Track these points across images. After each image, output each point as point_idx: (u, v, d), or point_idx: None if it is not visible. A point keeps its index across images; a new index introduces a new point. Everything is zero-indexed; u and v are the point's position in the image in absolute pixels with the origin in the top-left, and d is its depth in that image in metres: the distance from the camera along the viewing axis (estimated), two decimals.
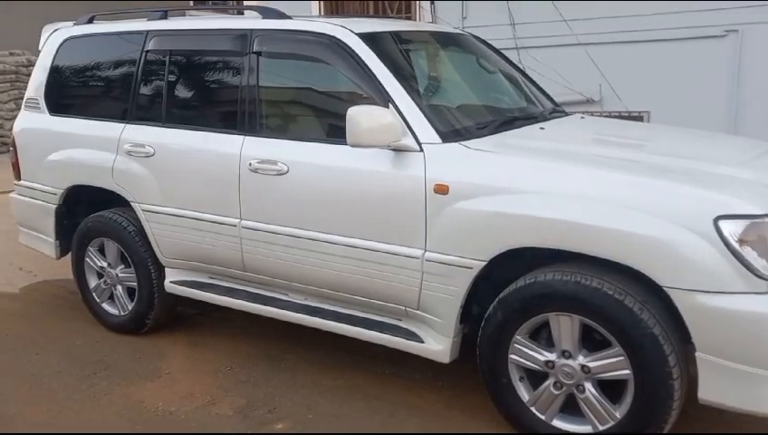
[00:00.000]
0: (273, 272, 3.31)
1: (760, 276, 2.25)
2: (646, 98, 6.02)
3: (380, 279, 2.96)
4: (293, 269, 3.22)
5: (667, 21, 5.97)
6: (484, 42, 3.96)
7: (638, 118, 6.03)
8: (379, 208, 2.91)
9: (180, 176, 3.46)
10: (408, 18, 7.25)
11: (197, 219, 3.43)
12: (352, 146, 2.79)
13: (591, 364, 2.53)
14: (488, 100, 3.64)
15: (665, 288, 2.33)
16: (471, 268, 2.71)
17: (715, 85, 5.95)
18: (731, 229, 2.27)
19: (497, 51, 3.97)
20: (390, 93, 2.91)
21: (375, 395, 3.14)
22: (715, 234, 2.27)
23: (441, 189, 2.75)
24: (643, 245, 2.35)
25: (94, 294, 3.98)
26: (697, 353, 2.33)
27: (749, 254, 2.26)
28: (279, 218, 3.19)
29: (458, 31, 4.14)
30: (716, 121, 5.86)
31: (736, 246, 2.26)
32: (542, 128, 3.16)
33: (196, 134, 3.44)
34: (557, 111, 3.64)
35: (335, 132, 3.05)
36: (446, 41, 3.85)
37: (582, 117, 3.63)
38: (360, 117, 2.72)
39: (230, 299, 3.49)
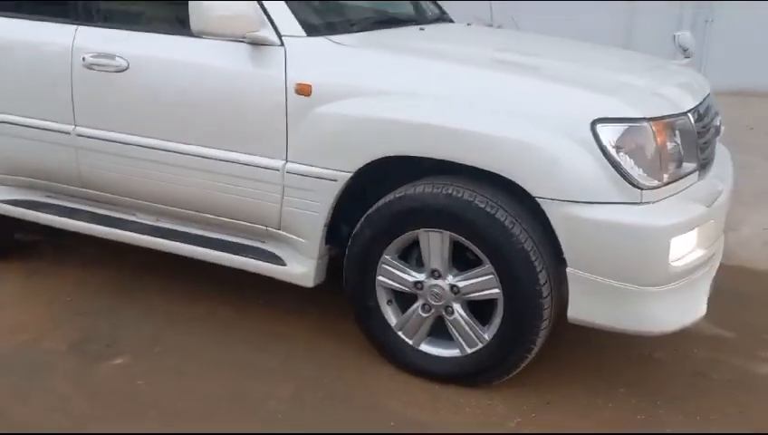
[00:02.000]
0: (116, 188, 2.87)
1: (636, 186, 2.09)
2: (543, 24, 5.86)
3: (237, 195, 2.61)
4: (139, 185, 2.80)
5: None
6: None
7: None
8: (233, 112, 2.53)
9: (1, 73, 2.90)
10: None
11: (24, 126, 2.91)
12: (198, 34, 2.38)
13: (461, 284, 2.33)
14: None
15: (537, 199, 2.14)
16: (335, 181, 2.41)
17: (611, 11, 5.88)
18: (608, 134, 2.09)
19: None
20: None
21: (237, 324, 2.84)
22: (592, 139, 2.08)
23: (303, 90, 2.40)
24: (515, 151, 2.13)
25: None
26: (568, 269, 2.16)
27: (626, 161, 2.09)
28: (119, 124, 2.74)
29: None
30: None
31: (613, 152, 2.08)
32: (421, 29, 2.86)
33: (21, 23, 2.90)
34: (443, 18, 3.35)
35: (184, 23, 2.59)
36: None
37: (469, 24, 3.36)
38: None
39: (69, 221, 3.02)
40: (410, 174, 2.41)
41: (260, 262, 2.66)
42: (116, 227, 2.94)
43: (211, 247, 2.75)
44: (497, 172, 2.17)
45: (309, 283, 2.59)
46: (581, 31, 5.56)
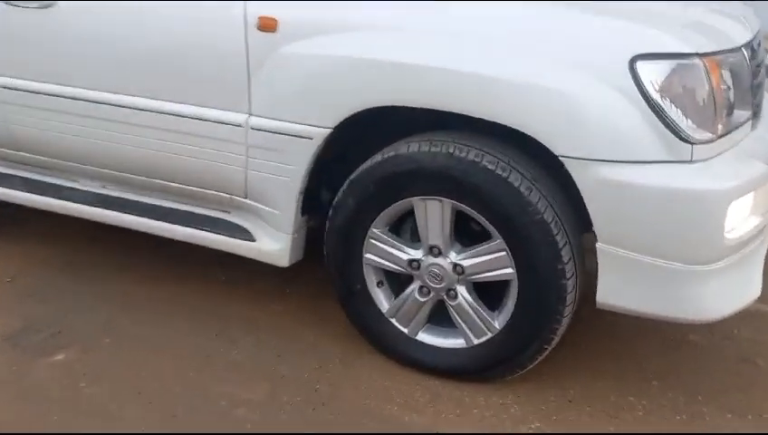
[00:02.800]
0: (52, 150, 2.42)
1: (685, 140, 1.66)
2: None
3: (193, 157, 2.17)
4: (78, 145, 2.35)
5: None
6: None
7: None
8: (183, 56, 2.07)
9: None
10: None
11: None
12: None
13: (465, 262, 1.93)
14: None
15: (561, 158, 1.71)
16: (311, 139, 1.97)
17: None
18: (651, 75, 1.65)
19: None
20: None
21: (203, 308, 2.43)
22: (631, 81, 1.64)
23: (267, 25, 1.94)
24: (533, 98, 1.69)
25: None
26: (599, 245, 1.76)
27: (672, 109, 1.66)
28: (48, 73, 2.27)
29: None
30: None
31: (657, 97, 1.65)
32: None
33: None
34: None
35: None
36: None
37: None
38: None
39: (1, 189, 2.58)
40: (401, 129, 1.98)
41: (224, 237, 2.24)
42: (55, 197, 2.50)
43: (166, 220, 2.32)
44: (511, 126, 1.74)
45: (283, 262, 2.18)
46: None
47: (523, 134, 1.74)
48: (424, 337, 2.07)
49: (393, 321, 2.09)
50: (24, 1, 2.21)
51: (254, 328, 2.33)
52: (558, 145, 1.70)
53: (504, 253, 1.86)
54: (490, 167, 1.79)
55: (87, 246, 2.85)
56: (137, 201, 2.42)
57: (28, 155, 2.50)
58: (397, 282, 2.10)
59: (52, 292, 2.55)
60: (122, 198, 2.44)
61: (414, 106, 1.82)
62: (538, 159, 1.82)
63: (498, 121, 1.75)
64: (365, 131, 2.03)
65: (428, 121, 1.91)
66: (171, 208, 2.36)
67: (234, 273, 2.62)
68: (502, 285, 1.92)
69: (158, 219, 2.34)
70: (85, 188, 2.49)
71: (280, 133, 2.00)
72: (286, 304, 2.49)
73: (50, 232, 2.95)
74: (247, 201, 2.19)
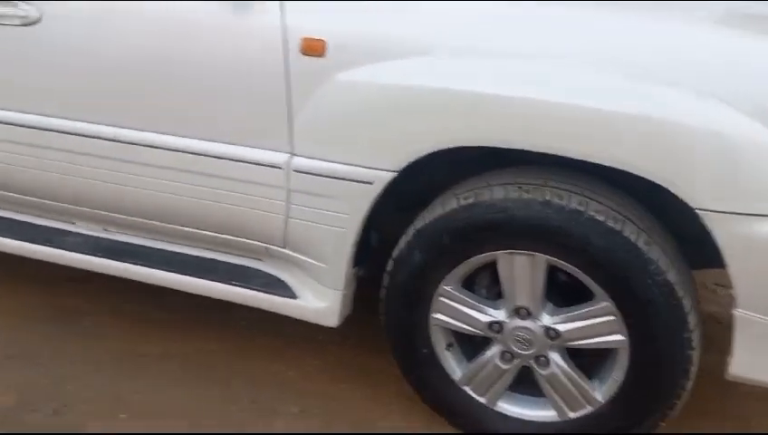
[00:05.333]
0: (44, 190, 2.02)
1: None
2: None
3: (220, 201, 1.80)
4: (75, 187, 1.96)
5: None
6: None
7: None
8: (205, 84, 1.69)
9: None
10: None
11: None
12: None
13: (562, 327, 1.61)
14: None
15: (699, 212, 1.40)
16: (371, 184, 1.62)
17: None
18: None
19: None
20: None
21: (228, 367, 2.06)
22: None
23: (312, 48, 1.57)
24: (659, 137, 1.36)
25: None
26: (738, 312, 1.45)
27: None
28: (35, 102, 1.87)
29: None
30: None
31: None
32: None
33: None
34: None
35: None
36: None
37: None
38: None
39: None
40: (470, 164, 1.65)
41: (259, 293, 1.88)
42: (45, 244, 2.10)
43: (182, 272, 1.95)
44: (633, 171, 1.41)
45: (332, 321, 1.83)
46: None
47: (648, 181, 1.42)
48: (505, 407, 1.76)
49: (467, 389, 1.77)
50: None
51: (293, 393, 1.99)
52: (698, 196, 1.38)
53: (613, 317, 1.54)
54: (599, 218, 1.47)
55: (82, 292, 2.43)
56: (145, 248, 2.04)
57: (16, 195, 2.09)
58: (469, 342, 1.78)
59: (45, 350, 2.15)
60: (129, 244, 2.06)
61: (509, 147, 1.48)
62: (649, 203, 1.52)
63: (614, 166, 1.42)
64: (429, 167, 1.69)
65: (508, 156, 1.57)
66: (190, 256, 1.99)
67: (255, 313, 2.24)
68: (602, 351, 1.62)
69: (172, 271, 1.96)
70: (84, 232, 2.10)
71: (331, 177, 1.64)
72: (323, 358, 2.14)
73: (41, 277, 2.50)
74: (285, 251, 1.83)
